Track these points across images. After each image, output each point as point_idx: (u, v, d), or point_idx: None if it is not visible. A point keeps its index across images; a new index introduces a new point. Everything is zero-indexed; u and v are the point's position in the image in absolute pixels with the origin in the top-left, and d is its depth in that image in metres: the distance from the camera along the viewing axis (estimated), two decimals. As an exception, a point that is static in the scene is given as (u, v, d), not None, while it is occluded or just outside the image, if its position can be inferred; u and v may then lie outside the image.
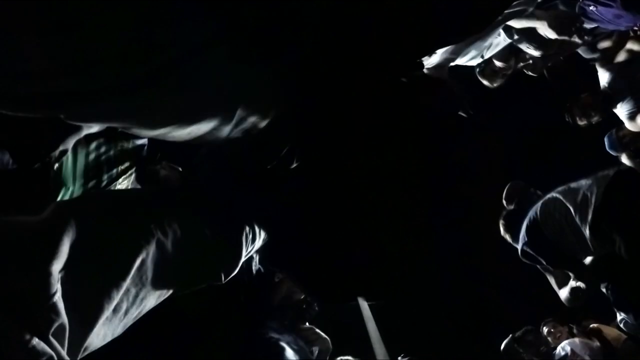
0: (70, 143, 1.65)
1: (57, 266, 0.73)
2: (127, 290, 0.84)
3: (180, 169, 2.20)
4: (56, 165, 1.61)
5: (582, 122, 3.18)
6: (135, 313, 0.89)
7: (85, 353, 0.80)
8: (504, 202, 3.14)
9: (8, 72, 0.80)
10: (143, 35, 0.82)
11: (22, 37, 0.78)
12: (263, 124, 1.00)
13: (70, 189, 1.67)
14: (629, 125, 3.13)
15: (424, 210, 1.19)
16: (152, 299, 0.92)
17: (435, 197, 1.18)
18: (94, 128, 1.67)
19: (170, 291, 0.98)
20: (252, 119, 0.98)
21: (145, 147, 1.95)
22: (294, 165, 1.08)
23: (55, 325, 0.70)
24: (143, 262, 0.86)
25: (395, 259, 1.15)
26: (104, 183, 1.74)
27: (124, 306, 0.85)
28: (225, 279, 1.09)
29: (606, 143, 3.41)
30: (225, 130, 0.98)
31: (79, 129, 1.61)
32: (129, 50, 0.82)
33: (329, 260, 1.19)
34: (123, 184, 1.80)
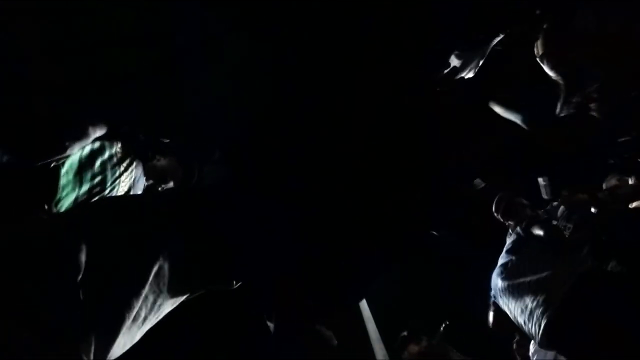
0: (76, 148, 1.65)
1: (78, 275, 0.72)
2: (146, 298, 0.83)
3: (175, 158, 2.17)
4: (62, 167, 1.61)
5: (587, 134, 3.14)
6: (152, 320, 0.87)
7: None
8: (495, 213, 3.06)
9: (8, 59, 0.80)
10: (149, 23, 0.81)
11: (22, 24, 0.77)
12: (264, 122, 1.00)
13: (77, 188, 1.66)
14: None
15: (424, 210, 1.19)
16: (169, 304, 0.91)
17: (435, 196, 1.18)
18: (99, 132, 1.67)
19: (185, 296, 0.97)
20: (254, 117, 0.98)
21: (142, 145, 1.94)
22: (294, 165, 1.08)
23: (83, 337, 0.69)
24: (160, 269, 0.85)
25: (396, 258, 1.14)
26: (109, 182, 1.73)
27: (143, 314, 0.84)
28: (236, 283, 1.09)
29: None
30: (228, 127, 0.98)
31: (85, 134, 1.62)
32: (134, 39, 0.81)
33: (330, 261, 1.19)
34: (126, 181, 1.80)
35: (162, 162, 2.14)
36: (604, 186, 3.27)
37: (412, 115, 1.10)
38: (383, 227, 1.14)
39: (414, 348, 2.79)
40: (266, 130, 1.03)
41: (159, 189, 2.15)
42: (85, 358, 0.65)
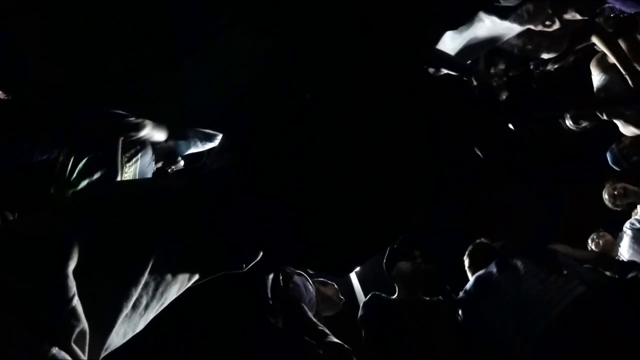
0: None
1: (71, 267, 0.71)
2: (147, 285, 0.82)
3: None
4: (62, 160, 1.63)
5: (576, 129, 3.16)
6: (156, 307, 0.86)
7: (106, 352, 0.78)
8: None
9: (8, 54, 0.79)
10: (149, 22, 0.81)
11: (22, 24, 0.77)
12: (264, 121, 1.00)
13: (76, 180, 1.68)
14: (623, 129, 3.10)
15: (424, 210, 1.19)
16: (173, 290, 0.90)
17: (435, 197, 1.18)
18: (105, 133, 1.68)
19: (192, 280, 0.96)
20: (254, 117, 0.98)
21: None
22: (294, 165, 1.08)
23: (77, 331, 0.68)
24: (161, 255, 0.84)
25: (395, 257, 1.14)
26: (110, 173, 1.75)
27: (144, 301, 0.82)
28: (246, 267, 1.08)
29: (609, 159, 3.41)
30: (227, 127, 0.98)
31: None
32: (134, 38, 0.81)
33: (330, 261, 1.19)
34: (129, 171, 1.82)
35: (170, 143, 2.17)
36: (605, 193, 3.28)
37: (412, 115, 1.10)
38: (383, 227, 1.14)
39: (405, 265, 2.65)
40: (266, 130, 1.03)
41: (169, 170, 2.18)
42: (77, 350, 0.65)
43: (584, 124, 3.13)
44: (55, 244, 0.73)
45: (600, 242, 3.59)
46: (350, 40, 1.00)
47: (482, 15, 2.21)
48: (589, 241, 3.69)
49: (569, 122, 3.16)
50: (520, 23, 2.29)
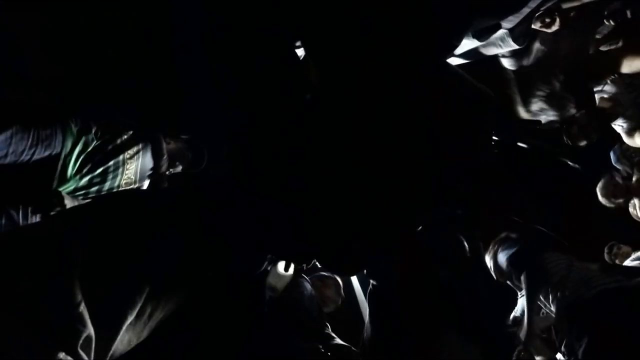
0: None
1: (76, 275, 0.71)
2: (150, 294, 0.82)
3: (184, 138, 2.19)
4: (64, 156, 1.64)
5: (581, 143, 3.16)
6: (161, 315, 0.87)
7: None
8: None
9: (9, 53, 0.80)
10: (148, 19, 0.81)
11: (22, 23, 0.77)
12: (264, 121, 1.00)
13: (78, 179, 1.69)
14: (627, 140, 3.11)
15: (424, 209, 1.19)
16: (176, 297, 0.91)
17: (435, 197, 1.18)
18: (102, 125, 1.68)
19: (194, 285, 0.96)
20: (253, 117, 0.98)
21: (151, 130, 1.97)
22: (294, 165, 1.08)
23: (83, 336, 0.68)
24: (162, 256, 0.85)
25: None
26: (111, 169, 1.76)
27: (148, 310, 0.83)
28: (248, 267, 1.08)
29: (612, 158, 3.42)
30: (227, 126, 0.98)
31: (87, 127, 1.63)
32: (133, 35, 0.81)
33: (330, 261, 1.19)
34: (131, 168, 1.83)
35: (171, 145, 2.17)
36: (599, 192, 3.28)
37: (412, 115, 1.10)
38: (383, 227, 1.14)
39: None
40: (266, 129, 1.03)
41: (167, 173, 2.19)
42: (84, 356, 0.65)
43: (594, 137, 3.13)
44: (57, 246, 0.73)
45: (619, 253, 3.48)
46: (350, 40, 1.00)
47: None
48: (606, 254, 3.57)
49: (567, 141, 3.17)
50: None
